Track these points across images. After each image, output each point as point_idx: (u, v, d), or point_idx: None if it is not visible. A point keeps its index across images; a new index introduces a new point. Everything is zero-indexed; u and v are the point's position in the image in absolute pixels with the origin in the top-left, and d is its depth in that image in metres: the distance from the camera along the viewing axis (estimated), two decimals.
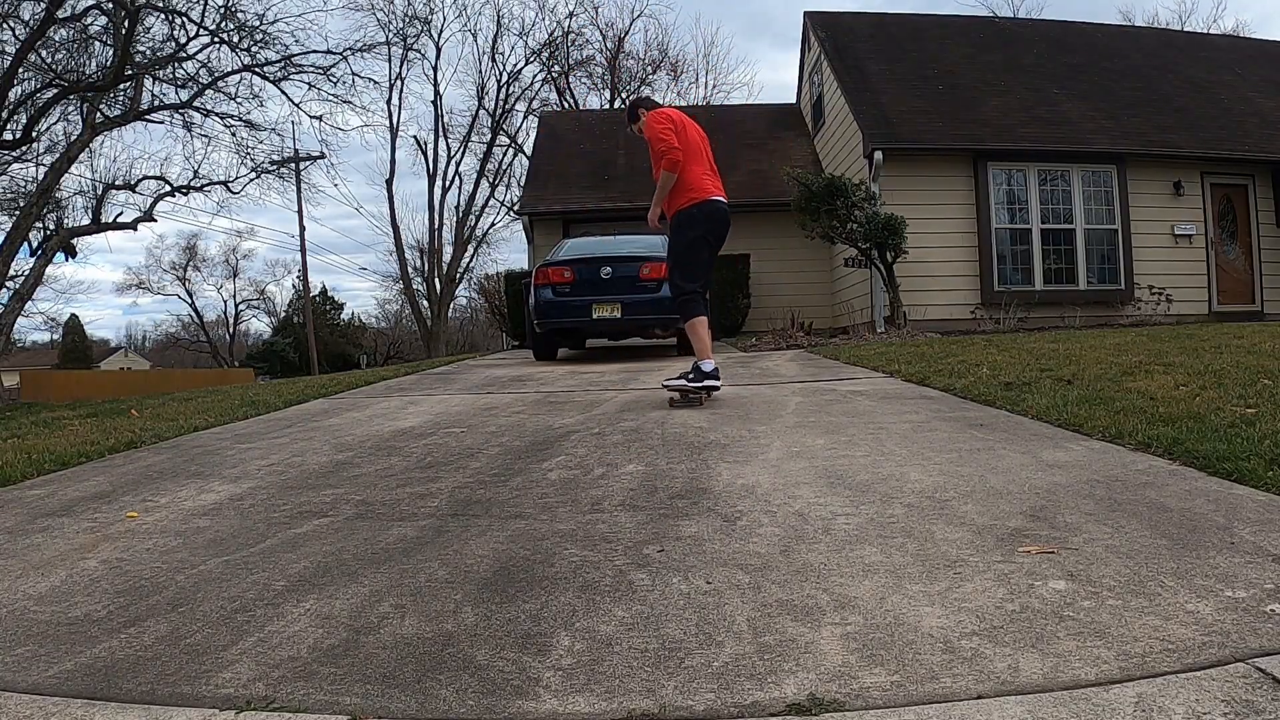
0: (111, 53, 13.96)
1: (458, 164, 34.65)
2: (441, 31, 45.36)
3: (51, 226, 16.63)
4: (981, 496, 2.35)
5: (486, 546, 2.12)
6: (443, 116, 32.54)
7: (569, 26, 35.52)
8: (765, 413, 4.14)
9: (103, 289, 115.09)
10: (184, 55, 15.12)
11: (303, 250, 36.00)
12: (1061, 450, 2.89)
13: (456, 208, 32.75)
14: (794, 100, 17.79)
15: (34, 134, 14.41)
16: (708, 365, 4.54)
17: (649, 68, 31.80)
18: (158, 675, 1.49)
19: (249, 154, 18.19)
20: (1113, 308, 11.85)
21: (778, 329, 11.91)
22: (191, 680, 1.46)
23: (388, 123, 31.73)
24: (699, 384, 4.51)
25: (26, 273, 15.66)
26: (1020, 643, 1.44)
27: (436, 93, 35.06)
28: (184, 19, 14.46)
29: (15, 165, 16.00)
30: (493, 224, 43.67)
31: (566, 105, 29.65)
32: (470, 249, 33.45)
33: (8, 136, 14.08)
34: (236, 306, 51.43)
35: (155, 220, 17.70)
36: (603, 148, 16.80)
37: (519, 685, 1.39)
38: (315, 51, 21.90)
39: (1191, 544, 1.87)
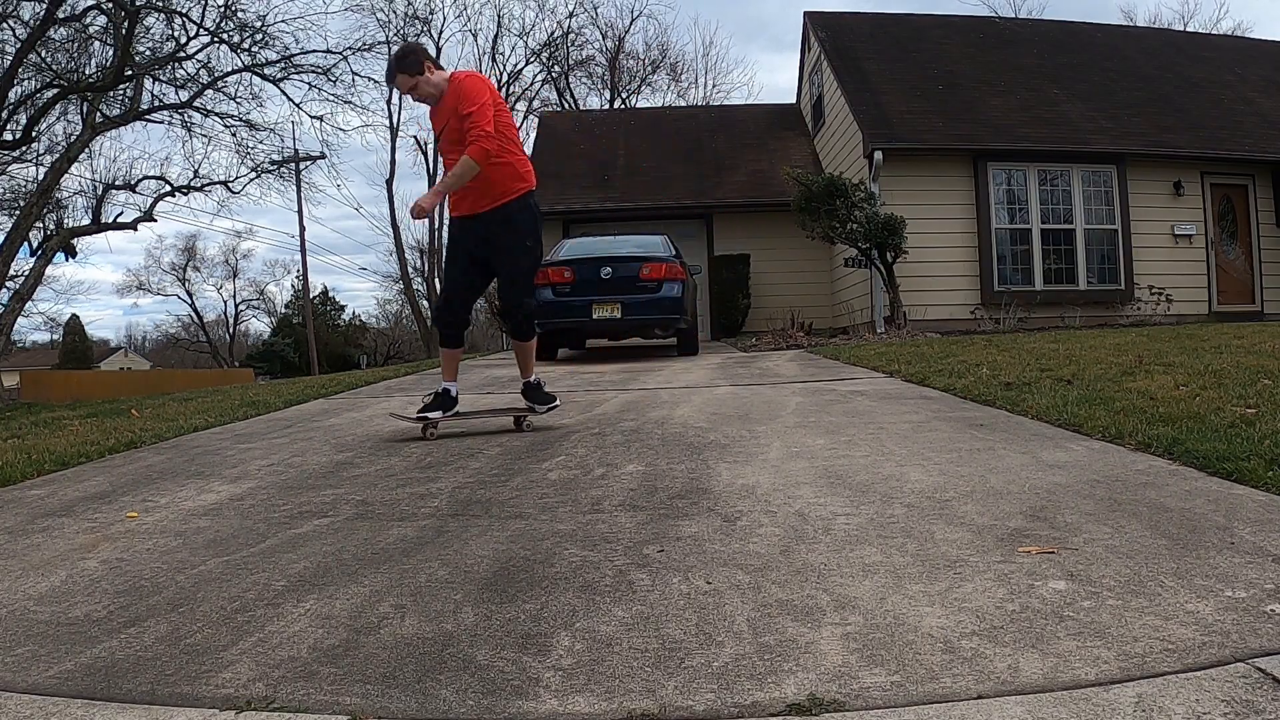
0: (111, 53, 13.95)
1: None
2: (442, 31, 45.20)
3: (51, 226, 16.62)
4: (981, 496, 2.35)
5: (486, 547, 2.12)
6: None
7: (569, 26, 35.42)
8: (765, 413, 4.14)
9: (103, 289, 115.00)
10: (184, 55, 15.09)
11: (303, 250, 35.99)
12: (1061, 450, 2.89)
13: None
14: (794, 101, 17.79)
15: (34, 134, 14.40)
16: (454, 388, 3.99)
17: (649, 68, 31.80)
18: (158, 675, 1.49)
19: (249, 154, 18.11)
20: (1113, 308, 11.84)
21: (778, 329, 11.92)
22: (191, 680, 1.46)
23: (388, 123, 31.63)
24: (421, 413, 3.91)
25: (26, 273, 15.65)
26: (1020, 643, 1.44)
27: None
28: (184, 19, 14.44)
29: (15, 165, 16.01)
30: None
31: (566, 106, 29.63)
32: None
33: (8, 136, 14.08)
34: (236, 307, 51.44)
35: (155, 220, 17.67)
36: (602, 148, 16.79)
37: (519, 685, 1.39)
38: (315, 51, 21.80)
39: (1191, 544, 1.87)
